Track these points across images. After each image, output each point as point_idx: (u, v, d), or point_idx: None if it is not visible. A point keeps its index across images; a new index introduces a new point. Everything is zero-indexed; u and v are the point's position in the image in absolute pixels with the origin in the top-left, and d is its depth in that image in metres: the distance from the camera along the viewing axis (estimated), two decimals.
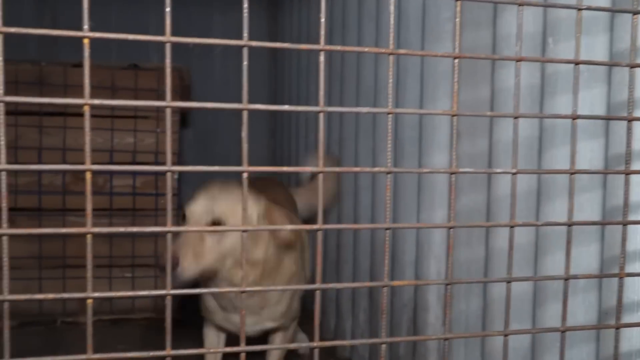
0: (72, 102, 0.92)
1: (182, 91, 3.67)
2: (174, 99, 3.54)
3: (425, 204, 2.28)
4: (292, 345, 1.01)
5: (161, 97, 3.49)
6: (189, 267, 1.88)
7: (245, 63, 0.94)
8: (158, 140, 3.57)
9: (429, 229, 2.26)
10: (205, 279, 2.03)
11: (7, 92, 3.21)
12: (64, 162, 3.44)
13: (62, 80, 3.44)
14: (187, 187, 4.58)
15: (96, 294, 0.93)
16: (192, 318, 3.52)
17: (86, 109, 0.91)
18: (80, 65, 3.49)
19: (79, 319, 3.41)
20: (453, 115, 1.04)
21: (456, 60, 1.02)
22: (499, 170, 1.06)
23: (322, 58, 0.96)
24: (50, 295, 0.93)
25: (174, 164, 3.60)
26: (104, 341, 3.14)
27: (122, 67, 3.59)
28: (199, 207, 1.98)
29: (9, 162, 3.00)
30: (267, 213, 2.09)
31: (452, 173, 1.05)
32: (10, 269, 2.94)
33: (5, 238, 0.89)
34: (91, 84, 3.18)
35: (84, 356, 0.93)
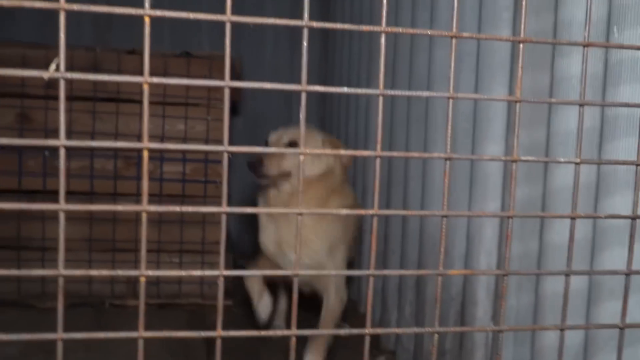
0: (131, 79, 0.92)
1: (235, 79, 3.68)
2: (223, 87, 3.56)
3: (477, 196, 2.24)
4: (342, 331, 1.00)
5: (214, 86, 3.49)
6: (271, 168, 2.53)
7: (305, 44, 0.93)
8: (209, 128, 3.59)
9: (480, 222, 2.21)
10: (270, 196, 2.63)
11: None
12: (116, 147, 3.48)
13: (116, 66, 3.48)
14: (235, 176, 4.61)
15: (149, 272, 0.93)
16: (242, 306, 3.57)
17: (145, 86, 0.90)
18: (133, 52, 3.54)
19: (127, 301, 3.47)
20: (516, 102, 1.01)
21: (521, 45, 0.99)
22: (562, 159, 1.03)
23: (383, 40, 0.94)
24: (104, 272, 0.93)
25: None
26: (151, 325, 3.15)
27: (174, 55, 3.62)
28: (280, 133, 2.67)
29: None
30: (330, 142, 2.71)
31: (513, 161, 1.02)
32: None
33: (62, 214, 0.90)
34: (143, 72, 3.18)
35: (135, 333, 0.93)
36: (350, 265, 2.88)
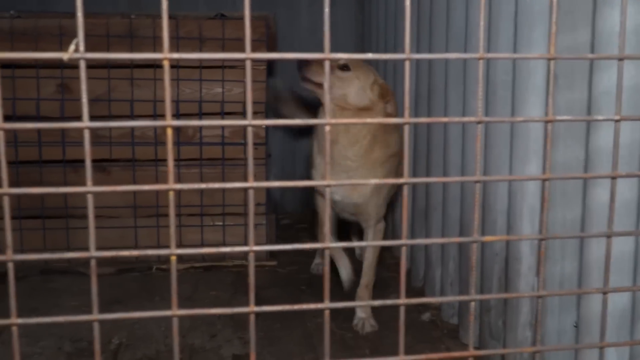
0: (150, 56, 0.90)
1: (269, 40, 3.65)
2: (260, 48, 3.53)
3: (519, 155, 2.19)
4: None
5: (253, 45, 3.46)
6: (316, 72, 2.63)
7: (326, 10, 0.90)
8: (246, 90, 3.57)
9: (522, 182, 2.16)
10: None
11: (99, 44, 3.30)
12: (155, 113, 3.51)
13: (151, 32, 3.47)
14: (274, 136, 4.60)
15: (178, 251, 0.93)
16: (287, 265, 3.60)
17: (165, 63, 0.89)
18: (170, 17, 3.51)
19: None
20: (550, 59, 0.96)
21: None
22: (600, 117, 0.98)
23: (407, 2, 0.91)
24: (135, 252, 0.93)
25: (260, 113, 3.60)
26: (197, 287, 3.23)
27: (209, 17, 3.59)
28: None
29: (102, 115, 3.08)
30: (381, 86, 2.68)
31: (547, 121, 0.98)
32: (107, 218, 3.04)
33: (90, 197, 0.90)
34: (179, 35, 3.21)
35: (169, 312, 0.93)
36: (391, 201, 3.14)
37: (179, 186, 0.91)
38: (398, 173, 2.93)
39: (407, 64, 0.92)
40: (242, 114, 3.58)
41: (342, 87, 2.62)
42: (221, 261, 3.57)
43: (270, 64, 3.94)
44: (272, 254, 3.68)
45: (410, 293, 3.18)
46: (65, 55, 0.87)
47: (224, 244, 3.62)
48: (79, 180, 3.49)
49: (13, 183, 3.43)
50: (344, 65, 2.64)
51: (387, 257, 3.76)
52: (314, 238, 3.16)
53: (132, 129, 3.49)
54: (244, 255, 3.61)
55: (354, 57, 0.92)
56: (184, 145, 3.53)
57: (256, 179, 3.60)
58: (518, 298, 2.26)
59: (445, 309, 2.91)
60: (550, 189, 1.95)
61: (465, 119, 0.94)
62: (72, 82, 3.43)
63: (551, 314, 2.01)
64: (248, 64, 0.90)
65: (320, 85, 2.65)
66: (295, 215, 4.63)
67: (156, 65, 3.48)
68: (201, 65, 3.53)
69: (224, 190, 3.57)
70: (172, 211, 0.92)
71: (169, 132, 0.91)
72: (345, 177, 2.70)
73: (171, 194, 0.91)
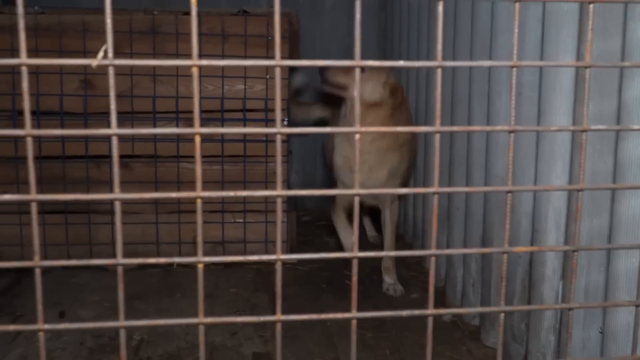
0: (180, 63, 0.89)
1: (292, 36, 3.63)
2: (283, 45, 3.51)
3: (544, 157, 2.16)
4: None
5: (271, 43, 3.47)
6: (336, 75, 3.08)
7: (357, 16, 0.88)
8: (268, 86, 3.57)
9: (548, 195, 2.13)
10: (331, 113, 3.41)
11: (122, 40, 3.30)
12: (177, 109, 3.51)
13: (174, 28, 3.48)
14: (296, 135, 4.59)
15: (206, 259, 0.92)
16: (307, 263, 3.59)
17: (194, 70, 0.88)
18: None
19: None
20: (586, 67, 0.94)
21: (591, 6, 0.92)
22: (636, 127, 0.96)
23: (440, 8, 0.89)
24: (162, 260, 0.93)
25: (282, 110, 3.59)
26: (218, 284, 3.23)
27: (231, 13, 3.58)
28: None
29: (125, 111, 3.08)
30: (391, 86, 3.09)
31: (582, 131, 0.96)
32: (129, 213, 3.06)
33: (118, 204, 0.89)
34: (201, 31, 3.21)
35: (196, 320, 0.92)
36: (406, 182, 3.50)
37: (206, 194, 0.91)
38: (410, 160, 3.36)
39: (438, 72, 0.90)
40: (264, 111, 3.58)
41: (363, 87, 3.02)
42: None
43: (292, 58, 3.93)
44: (292, 251, 3.68)
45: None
46: (94, 62, 0.86)
47: (245, 241, 3.63)
48: (101, 175, 3.51)
49: (37, 178, 3.44)
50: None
51: (408, 257, 3.75)
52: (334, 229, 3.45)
53: (154, 124, 3.50)
54: (264, 252, 3.62)
55: (384, 65, 0.90)
56: (206, 142, 3.53)
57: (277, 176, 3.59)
58: (542, 301, 2.24)
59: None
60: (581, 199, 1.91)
61: (498, 127, 0.92)
62: (95, 78, 3.44)
63: (576, 322, 1.99)
64: (277, 71, 0.89)
65: (339, 87, 3.11)
66: (315, 212, 4.62)
67: None
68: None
69: (244, 187, 3.57)
70: (199, 219, 0.91)
71: (198, 139, 0.90)
72: (360, 161, 2.87)
73: (199, 202, 0.91)
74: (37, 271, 0.89)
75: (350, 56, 4.69)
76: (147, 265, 3.44)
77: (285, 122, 3.61)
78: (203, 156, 3.56)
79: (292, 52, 3.65)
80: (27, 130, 0.84)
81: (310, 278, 3.41)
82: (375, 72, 3.04)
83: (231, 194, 0.90)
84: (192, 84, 3.50)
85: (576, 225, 0.99)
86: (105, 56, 0.87)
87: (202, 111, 3.53)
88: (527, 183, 2.25)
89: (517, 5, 0.92)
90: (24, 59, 0.83)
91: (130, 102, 3.47)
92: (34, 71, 3.37)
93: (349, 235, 3.31)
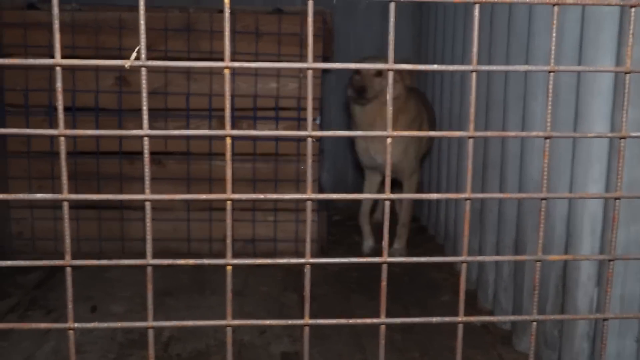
0: (213, 65, 0.89)
1: (325, 35, 3.63)
2: (316, 43, 3.50)
3: (579, 178, 2.11)
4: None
5: (305, 41, 3.46)
6: (372, 89, 3.40)
7: (391, 20, 0.87)
8: (301, 85, 3.57)
9: (583, 205, 2.09)
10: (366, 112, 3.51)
11: (157, 38, 3.31)
12: (210, 107, 3.53)
13: (209, 26, 3.49)
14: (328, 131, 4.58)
15: (235, 261, 0.92)
16: (339, 249, 3.59)
17: (227, 71, 0.87)
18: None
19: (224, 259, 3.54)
20: (626, 73, 0.92)
21: (633, 10, 0.90)
22: None
23: (477, 12, 0.87)
24: (191, 261, 0.92)
25: (315, 109, 3.59)
26: (247, 282, 3.24)
27: (266, 11, 3.59)
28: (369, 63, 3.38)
29: (158, 108, 3.10)
30: (402, 75, 3.51)
31: (621, 138, 0.94)
32: (161, 210, 3.06)
33: (148, 204, 0.89)
34: (236, 29, 3.21)
35: (224, 322, 0.92)
36: (423, 156, 3.98)
37: (236, 196, 0.90)
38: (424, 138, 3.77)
39: (473, 76, 0.89)
40: (296, 109, 3.57)
41: (380, 86, 3.42)
42: (272, 257, 3.57)
43: (326, 59, 3.92)
44: (322, 251, 3.67)
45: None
46: (127, 63, 0.86)
47: (275, 239, 3.63)
48: (134, 171, 3.54)
49: (71, 173, 3.50)
50: (377, 73, 3.43)
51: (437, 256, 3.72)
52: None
53: (188, 121, 3.52)
54: (294, 251, 3.62)
55: (418, 69, 0.89)
56: (238, 140, 3.54)
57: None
58: (576, 308, 2.20)
59: (498, 315, 2.85)
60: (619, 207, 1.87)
61: (533, 133, 0.90)
62: (130, 75, 3.47)
63: (612, 330, 1.95)
64: (309, 74, 0.88)
65: (372, 96, 3.44)
66: (346, 210, 4.60)
67: (212, 59, 3.49)
68: (257, 60, 3.53)
69: (276, 185, 3.58)
70: (229, 221, 0.91)
71: (228, 141, 0.90)
72: (379, 142, 3.54)
73: (229, 204, 0.90)
74: (68, 270, 0.90)
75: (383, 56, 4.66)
76: None
77: (317, 121, 3.60)
78: (235, 154, 3.58)
79: (325, 50, 3.64)
80: (60, 130, 0.85)
81: (340, 278, 3.40)
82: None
83: (261, 196, 0.90)
84: (225, 84, 3.48)
85: (612, 234, 0.96)
86: (138, 57, 0.87)
87: (234, 109, 3.54)
88: (563, 187, 2.21)
89: (556, 8, 0.90)
90: (58, 59, 0.84)
91: (164, 99, 3.49)
92: (70, 68, 3.42)
93: (369, 237, 3.86)
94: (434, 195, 0.92)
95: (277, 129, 3.58)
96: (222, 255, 3.57)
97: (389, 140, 0.90)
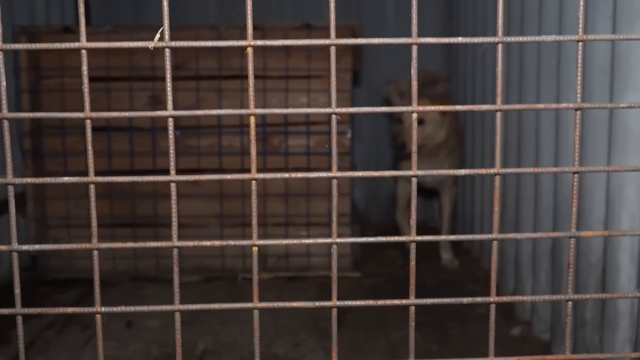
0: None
1: (354, 49, 3.63)
2: (345, 57, 3.52)
3: (617, 153, 2.07)
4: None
5: (337, 55, 3.46)
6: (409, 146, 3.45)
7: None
8: (331, 100, 3.57)
9: (621, 182, 2.04)
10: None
11: (188, 56, 3.36)
12: (242, 124, 3.55)
13: None
14: (360, 146, 4.58)
15: (260, 241, 0.91)
16: (371, 277, 3.56)
17: (252, 120, 0.87)
18: (257, 28, 3.52)
19: (259, 275, 3.53)
20: None
21: None
22: None
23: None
24: (217, 242, 0.92)
25: (344, 123, 3.58)
26: (281, 297, 3.23)
27: (295, 27, 3.61)
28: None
29: (191, 125, 3.12)
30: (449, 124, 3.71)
31: None
32: (195, 227, 3.07)
33: (173, 185, 0.89)
34: (265, 46, 3.17)
35: (250, 304, 0.91)
36: (459, 163, 4.06)
37: (261, 175, 0.90)
38: (459, 153, 3.97)
39: (499, 47, 0.88)
40: (327, 123, 3.58)
41: (427, 130, 3.58)
42: (305, 271, 3.56)
43: (356, 73, 3.93)
44: (356, 265, 3.65)
45: (498, 307, 3.07)
46: (150, 44, 0.87)
47: (309, 254, 3.62)
48: (168, 189, 3.57)
49: (105, 192, 3.55)
50: (420, 119, 3.46)
51: (475, 270, 3.67)
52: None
53: (220, 137, 3.54)
54: (328, 266, 3.60)
55: (442, 42, 0.88)
56: (271, 155, 3.56)
57: (340, 189, 3.58)
58: (617, 312, 2.14)
59: (536, 324, 2.80)
60: None
61: (563, 105, 0.89)
62: (163, 93, 3.52)
63: None
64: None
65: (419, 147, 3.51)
66: (380, 226, 4.58)
67: (242, 75, 3.53)
68: (287, 75, 3.55)
69: (308, 200, 3.57)
70: (253, 200, 0.90)
71: (252, 120, 0.90)
72: (426, 162, 3.67)
73: (254, 184, 0.90)
74: (95, 253, 0.90)
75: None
76: (212, 278, 3.46)
77: (348, 135, 3.60)
78: (267, 169, 3.58)
79: (355, 64, 3.65)
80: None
81: (375, 291, 3.37)
82: (431, 117, 3.55)
83: (286, 175, 0.89)
84: (257, 98, 3.53)
85: None
86: (161, 38, 0.88)
87: (266, 125, 3.56)
88: (600, 184, 2.17)
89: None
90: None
91: (196, 117, 3.53)
92: (105, 88, 3.48)
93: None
94: (462, 171, 0.90)
95: (308, 143, 3.59)
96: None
97: (414, 115, 0.89)
